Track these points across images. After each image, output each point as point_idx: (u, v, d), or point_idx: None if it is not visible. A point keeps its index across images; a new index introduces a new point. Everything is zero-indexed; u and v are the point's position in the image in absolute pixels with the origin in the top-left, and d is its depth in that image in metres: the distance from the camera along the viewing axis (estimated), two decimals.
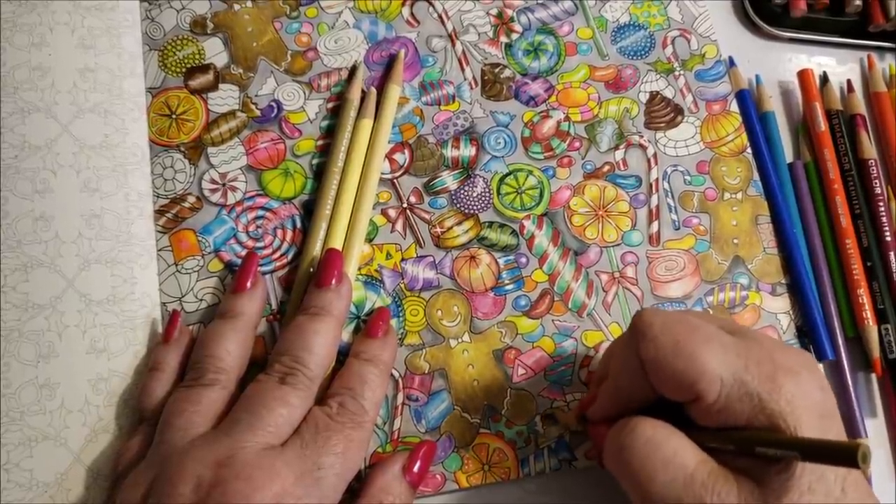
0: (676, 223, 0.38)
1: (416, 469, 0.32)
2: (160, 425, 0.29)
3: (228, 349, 0.31)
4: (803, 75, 0.42)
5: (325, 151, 0.37)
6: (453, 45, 0.40)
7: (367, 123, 0.37)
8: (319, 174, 0.37)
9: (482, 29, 0.41)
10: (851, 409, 0.36)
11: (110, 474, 0.31)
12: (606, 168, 0.39)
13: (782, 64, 0.43)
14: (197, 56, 0.39)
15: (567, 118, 0.39)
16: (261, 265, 0.35)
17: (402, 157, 0.38)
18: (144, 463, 0.28)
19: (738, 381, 0.25)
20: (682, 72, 0.41)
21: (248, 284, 0.33)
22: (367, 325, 0.33)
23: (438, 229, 0.37)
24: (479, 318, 0.36)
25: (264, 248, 0.36)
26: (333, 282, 0.32)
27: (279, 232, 0.36)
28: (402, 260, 0.36)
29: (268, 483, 0.26)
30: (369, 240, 0.36)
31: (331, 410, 0.30)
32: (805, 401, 0.25)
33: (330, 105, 0.38)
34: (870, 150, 0.40)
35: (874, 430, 0.37)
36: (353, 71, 0.39)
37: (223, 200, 0.36)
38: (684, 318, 0.27)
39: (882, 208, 0.39)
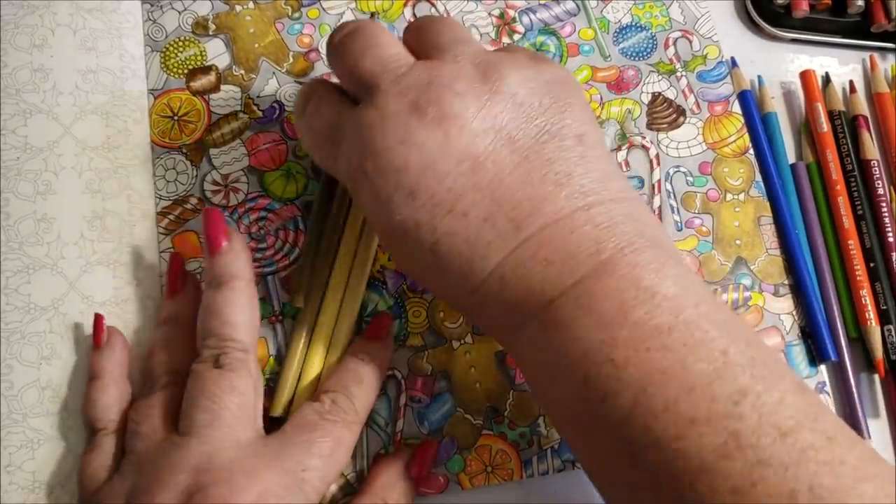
0: (679, 224, 0.38)
1: (418, 468, 0.32)
2: (127, 436, 0.29)
3: (176, 352, 0.31)
4: (805, 76, 0.42)
5: None
6: None
7: None
8: (320, 174, 0.37)
9: (484, 29, 0.41)
10: (854, 410, 0.36)
11: (76, 489, 0.30)
12: None
13: (784, 65, 0.43)
14: (199, 57, 0.39)
15: None
16: (263, 266, 0.35)
17: None
18: (118, 475, 0.28)
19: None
20: (684, 73, 0.41)
21: (179, 287, 0.33)
22: (367, 327, 0.33)
23: None
24: None
25: (266, 249, 0.36)
26: (224, 243, 0.31)
27: (281, 233, 0.36)
28: None
29: (249, 485, 0.26)
30: None
31: (322, 408, 0.29)
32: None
33: None
34: (872, 150, 0.40)
35: (877, 431, 0.36)
36: None
37: (225, 202, 0.36)
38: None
39: (885, 209, 0.39)
